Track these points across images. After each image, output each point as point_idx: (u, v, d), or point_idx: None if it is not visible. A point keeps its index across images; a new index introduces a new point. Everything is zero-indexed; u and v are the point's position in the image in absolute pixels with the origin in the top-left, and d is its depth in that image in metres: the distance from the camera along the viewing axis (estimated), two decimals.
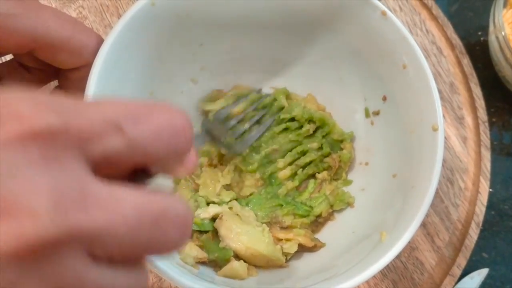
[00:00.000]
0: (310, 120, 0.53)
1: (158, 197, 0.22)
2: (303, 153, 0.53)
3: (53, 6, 0.58)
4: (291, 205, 0.50)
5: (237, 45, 0.54)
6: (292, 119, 0.53)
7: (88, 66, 0.39)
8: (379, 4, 0.45)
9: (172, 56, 0.51)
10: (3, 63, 0.42)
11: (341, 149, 0.53)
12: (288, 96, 0.55)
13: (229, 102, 0.52)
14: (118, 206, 0.20)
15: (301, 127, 0.53)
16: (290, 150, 0.52)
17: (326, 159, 0.52)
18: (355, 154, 0.53)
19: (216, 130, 0.50)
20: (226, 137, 0.50)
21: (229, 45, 0.53)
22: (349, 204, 0.51)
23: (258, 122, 0.52)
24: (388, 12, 0.45)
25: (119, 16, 0.58)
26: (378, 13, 0.45)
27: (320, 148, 0.53)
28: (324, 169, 0.52)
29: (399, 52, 0.45)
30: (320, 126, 0.53)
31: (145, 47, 0.46)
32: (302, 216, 0.50)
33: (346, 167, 0.52)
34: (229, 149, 0.50)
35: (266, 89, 0.56)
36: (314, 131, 0.53)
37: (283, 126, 0.53)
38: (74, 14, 0.58)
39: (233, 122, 0.51)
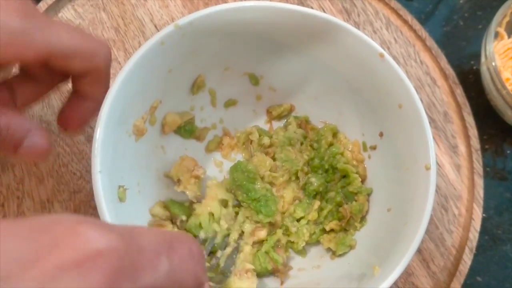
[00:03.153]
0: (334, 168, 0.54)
1: None
2: (321, 209, 0.54)
3: None
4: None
5: (238, 79, 0.56)
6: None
7: (97, 70, 0.42)
8: (377, 46, 0.48)
9: (178, 89, 0.53)
10: (15, 76, 0.44)
11: (355, 200, 0.53)
12: (335, 134, 0.56)
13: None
14: None
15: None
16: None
17: (340, 209, 0.53)
18: (369, 206, 0.53)
19: None
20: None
21: (232, 79, 0.56)
22: (351, 247, 0.51)
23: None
24: (386, 55, 0.47)
25: (125, 51, 0.60)
26: (376, 55, 0.48)
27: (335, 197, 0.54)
28: (338, 219, 0.53)
29: (396, 93, 0.48)
30: (343, 176, 0.54)
31: (153, 81, 0.49)
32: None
33: (358, 219, 0.52)
34: (217, 283, 0.50)
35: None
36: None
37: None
38: None
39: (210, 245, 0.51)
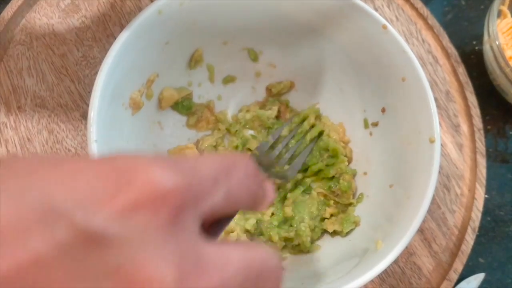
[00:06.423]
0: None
1: (258, 252, 0.25)
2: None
3: (57, 16, 0.59)
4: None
5: (237, 54, 0.55)
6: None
7: None
8: (380, 17, 0.47)
9: (176, 62, 0.52)
10: None
11: (342, 180, 0.52)
12: (318, 117, 0.55)
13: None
14: (228, 267, 0.23)
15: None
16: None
17: (331, 195, 0.53)
18: (370, 183, 0.52)
19: (264, 162, 0.51)
20: (275, 167, 0.50)
21: (231, 54, 0.55)
22: (356, 224, 0.50)
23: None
24: (389, 26, 0.46)
25: (122, 26, 0.59)
26: (379, 27, 0.47)
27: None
28: (334, 202, 0.53)
29: (399, 65, 0.47)
30: (331, 156, 0.53)
31: (149, 52, 0.48)
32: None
33: (350, 196, 0.52)
34: (281, 178, 0.51)
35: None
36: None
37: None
38: (77, 24, 0.59)
39: (277, 151, 0.52)
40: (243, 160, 0.27)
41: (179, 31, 0.48)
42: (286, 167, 0.52)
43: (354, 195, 0.53)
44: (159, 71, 0.50)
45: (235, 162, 0.26)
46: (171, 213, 0.21)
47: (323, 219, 0.52)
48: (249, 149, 0.54)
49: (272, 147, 0.53)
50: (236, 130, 0.55)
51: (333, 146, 0.53)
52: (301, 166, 0.53)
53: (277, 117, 0.56)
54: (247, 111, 0.56)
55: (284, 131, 0.54)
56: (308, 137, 0.54)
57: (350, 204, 0.52)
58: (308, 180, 0.53)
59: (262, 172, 0.29)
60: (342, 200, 0.52)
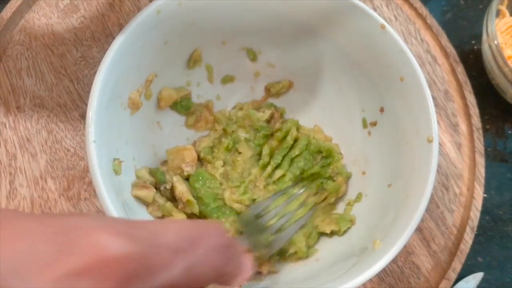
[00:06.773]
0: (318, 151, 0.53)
1: None
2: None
3: (55, 16, 0.59)
4: None
5: (236, 53, 0.55)
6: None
7: None
8: (378, 17, 0.47)
9: (174, 62, 0.52)
10: None
11: (333, 180, 0.53)
12: (298, 128, 0.54)
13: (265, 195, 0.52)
14: None
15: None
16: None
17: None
18: (369, 182, 0.52)
19: (252, 225, 0.48)
20: (263, 235, 0.48)
21: (229, 53, 0.55)
22: (352, 222, 0.50)
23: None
24: (387, 26, 0.46)
25: (120, 26, 0.59)
26: (377, 27, 0.47)
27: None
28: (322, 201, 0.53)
29: (397, 65, 0.47)
30: (325, 157, 0.53)
31: (148, 52, 0.48)
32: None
33: (332, 197, 0.52)
34: (268, 248, 0.47)
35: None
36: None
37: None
38: (76, 24, 0.59)
39: (268, 217, 0.49)
40: (214, 230, 0.25)
41: (178, 31, 0.48)
42: (272, 237, 0.48)
43: (342, 198, 0.53)
44: (157, 71, 0.50)
45: (204, 232, 0.25)
46: (117, 282, 0.20)
47: (316, 226, 0.52)
48: (239, 152, 0.53)
49: (265, 212, 0.50)
50: (233, 131, 0.54)
51: (326, 146, 0.53)
52: (288, 239, 0.49)
53: (268, 121, 0.56)
54: (240, 108, 0.56)
55: (278, 201, 0.51)
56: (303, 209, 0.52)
57: (333, 203, 0.52)
58: (302, 184, 0.53)
59: (241, 243, 0.28)
60: (328, 197, 0.52)
